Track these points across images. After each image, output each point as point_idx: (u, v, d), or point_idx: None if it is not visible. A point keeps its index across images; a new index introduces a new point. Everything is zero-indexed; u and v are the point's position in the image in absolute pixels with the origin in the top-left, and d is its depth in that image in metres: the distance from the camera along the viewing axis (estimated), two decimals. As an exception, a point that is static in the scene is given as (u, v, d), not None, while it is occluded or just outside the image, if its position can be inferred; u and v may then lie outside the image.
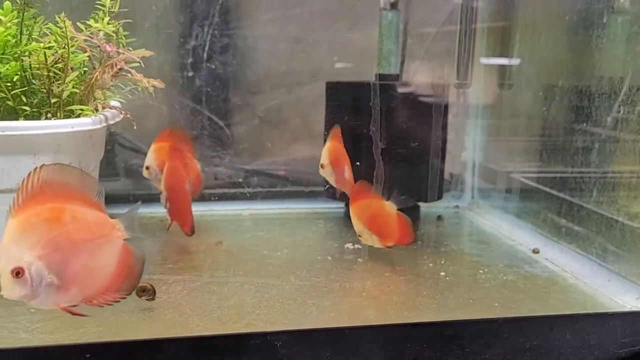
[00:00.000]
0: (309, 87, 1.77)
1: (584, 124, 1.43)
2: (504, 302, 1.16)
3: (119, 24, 1.27)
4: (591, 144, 1.41)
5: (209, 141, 1.73)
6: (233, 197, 1.70)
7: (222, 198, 1.72)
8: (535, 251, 1.45)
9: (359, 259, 1.37)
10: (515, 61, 1.73)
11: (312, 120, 1.76)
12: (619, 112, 1.32)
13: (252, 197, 1.75)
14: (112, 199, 1.48)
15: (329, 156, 1.42)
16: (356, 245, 1.43)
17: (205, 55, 1.68)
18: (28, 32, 1.21)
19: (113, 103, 1.33)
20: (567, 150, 1.50)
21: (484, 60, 1.82)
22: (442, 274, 1.29)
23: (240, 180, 1.73)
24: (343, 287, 1.21)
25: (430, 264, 1.34)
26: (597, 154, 1.40)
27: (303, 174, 1.81)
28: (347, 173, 1.41)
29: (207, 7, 1.66)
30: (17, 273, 0.78)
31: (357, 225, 1.34)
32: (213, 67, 1.70)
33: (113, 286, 0.86)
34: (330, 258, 1.37)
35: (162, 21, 1.65)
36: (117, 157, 1.64)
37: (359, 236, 1.34)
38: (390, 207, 1.33)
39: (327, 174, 1.43)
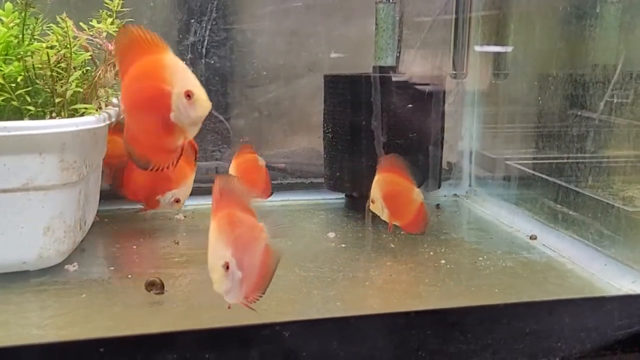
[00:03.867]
0: (306, 79, 1.79)
1: (579, 111, 1.44)
2: (504, 288, 1.17)
3: (120, 22, 1.28)
4: (586, 130, 1.43)
5: (209, 135, 1.74)
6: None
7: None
8: (533, 237, 1.47)
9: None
10: (508, 49, 1.74)
11: (311, 112, 1.78)
12: (613, 99, 1.34)
13: (253, 190, 1.76)
14: (113, 196, 1.51)
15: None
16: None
17: (203, 50, 1.69)
18: (30, 32, 1.21)
19: (115, 100, 1.34)
20: (562, 137, 1.51)
21: (478, 49, 1.83)
22: (443, 261, 1.31)
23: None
24: (346, 277, 1.22)
25: (431, 252, 1.36)
26: (592, 141, 1.41)
27: (303, 165, 1.82)
28: None
29: (205, 2, 1.67)
30: (227, 267, 0.87)
31: (375, 192, 1.34)
32: (212, 62, 1.71)
33: (258, 284, 0.94)
34: (332, 248, 1.39)
35: (159, 17, 1.66)
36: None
37: (371, 201, 1.35)
38: (417, 194, 1.34)
39: None
